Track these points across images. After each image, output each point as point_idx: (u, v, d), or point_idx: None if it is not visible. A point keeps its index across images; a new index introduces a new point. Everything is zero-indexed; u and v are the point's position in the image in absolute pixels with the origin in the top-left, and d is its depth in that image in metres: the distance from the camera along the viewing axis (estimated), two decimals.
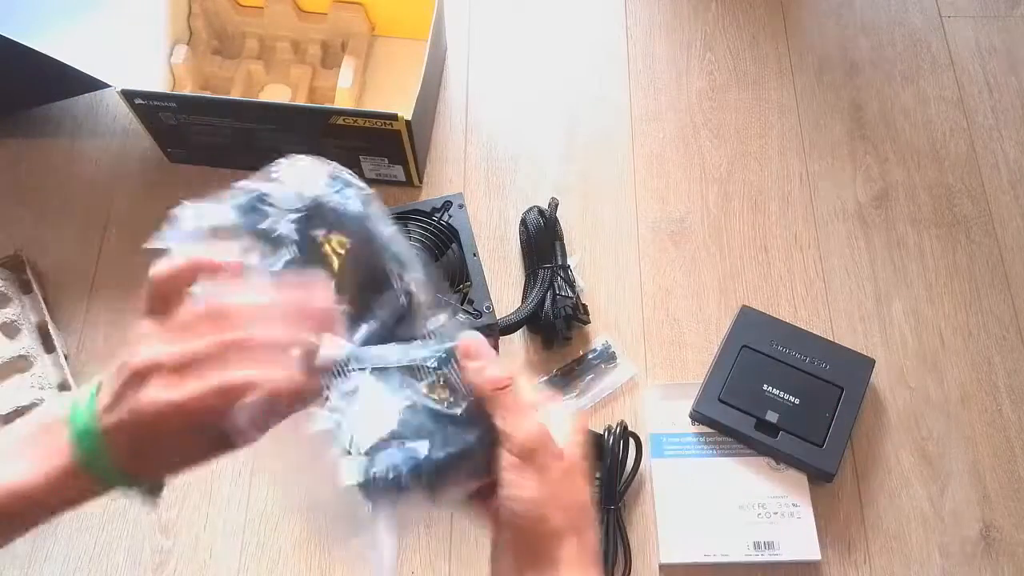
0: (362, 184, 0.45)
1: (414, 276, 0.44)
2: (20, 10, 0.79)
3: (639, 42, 0.99)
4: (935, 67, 0.97)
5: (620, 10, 1.01)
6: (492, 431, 0.41)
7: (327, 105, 0.82)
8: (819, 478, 0.74)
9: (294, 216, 0.42)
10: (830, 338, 0.81)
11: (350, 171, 0.45)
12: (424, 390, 0.41)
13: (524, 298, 0.82)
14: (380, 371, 0.40)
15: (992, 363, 0.81)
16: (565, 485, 0.42)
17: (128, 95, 0.80)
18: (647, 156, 0.92)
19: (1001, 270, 0.86)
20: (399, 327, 0.43)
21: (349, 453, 0.38)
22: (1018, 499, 0.76)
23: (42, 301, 0.81)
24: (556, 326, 0.79)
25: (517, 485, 0.41)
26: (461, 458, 0.40)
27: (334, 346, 0.40)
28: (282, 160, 0.45)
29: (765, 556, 0.72)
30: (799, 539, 0.72)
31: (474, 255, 0.77)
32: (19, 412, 0.73)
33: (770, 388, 0.76)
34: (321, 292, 0.41)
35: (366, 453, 0.38)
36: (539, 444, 0.41)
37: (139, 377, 0.38)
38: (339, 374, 0.40)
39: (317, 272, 0.42)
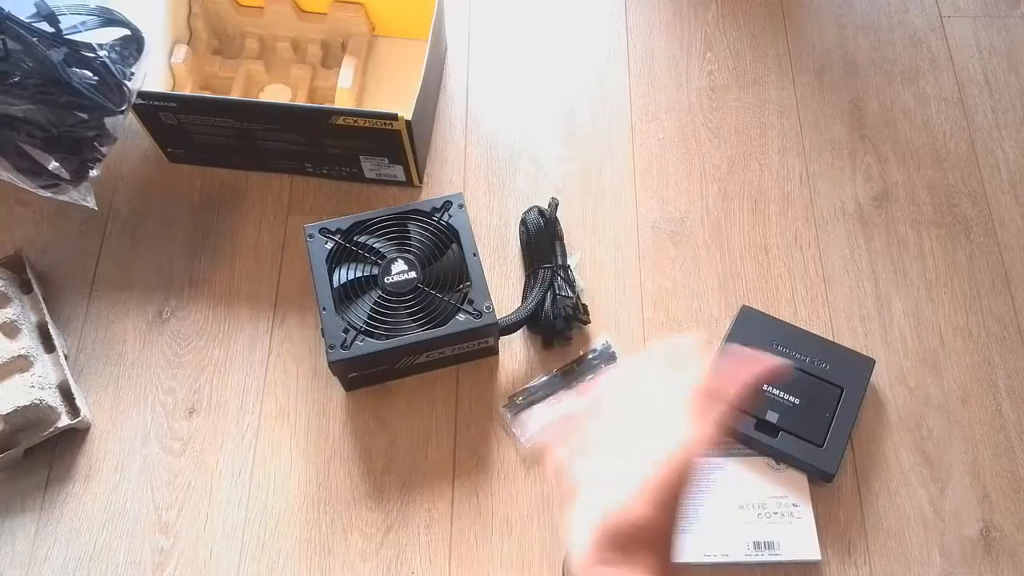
0: None
1: None
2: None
3: (639, 42, 0.99)
4: (935, 67, 0.97)
5: (620, 10, 1.01)
6: None
7: (327, 105, 0.82)
8: (819, 478, 0.74)
9: None
10: (830, 338, 0.81)
11: None
12: None
13: (524, 298, 0.82)
14: None
15: (992, 363, 0.81)
16: None
17: None
18: (647, 156, 0.92)
19: (1001, 270, 0.86)
20: None
21: None
22: (1018, 499, 0.76)
23: (42, 301, 0.81)
24: (556, 326, 0.79)
25: None
26: None
27: None
28: None
29: (765, 556, 0.72)
30: (799, 539, 0.72)
31: (474, 255, 0.77)
32: (19, 412, 0.73)
33: (770, 388, 0.76)
34: None
35: None
36: None
37: None
38: None
39: None
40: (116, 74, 0.62)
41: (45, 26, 0.59)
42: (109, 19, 0.62)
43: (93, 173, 0.67)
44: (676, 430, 0.45)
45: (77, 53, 0.60)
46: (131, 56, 0.64)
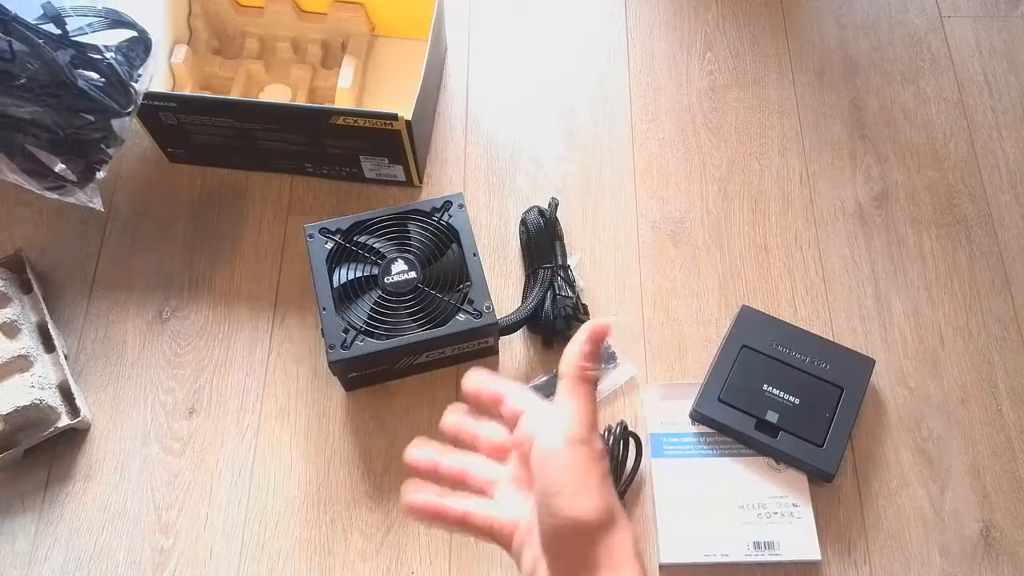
0: None
1: None
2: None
3: (639, 42, 0.99)
4: (935, 67, 0.97)
5: (620, 10, 1.01)
6: None
7: (327, 105, 0.82)
8: (819, 478, 0.74)
9: None
10: (830, 338, 0.81)
11: None
12: None
13: (524, 298, 0.82)
14: None
15: (992, 363, 0.81)
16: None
17: None
18: (647, 156, 0.92)
19: (1001, 270, 0.86)
20: None
21: None
22: (1018, 499, 0.76)
23: (42, 301, 0.81)
24: (556, 326, 0.79)
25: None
26: None
27: None
28: None
29: (765, 556, 0.72)
30: (799, 539, 0.72)
31: (474, 255, 0.77)
32: (19, 412, 0.73)
33: (770, 388, 0.76)
34: None
35: None
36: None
37: None
38: None
39: None
40: (123, 76, 0.62)
41: (52, 28, 0.59)
42: (116, 21, 0.62)
43: (99, 175, 0.66)
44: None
45: (84, 55, 0.60)
46: (138, 58, 0.64)
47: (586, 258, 0.86)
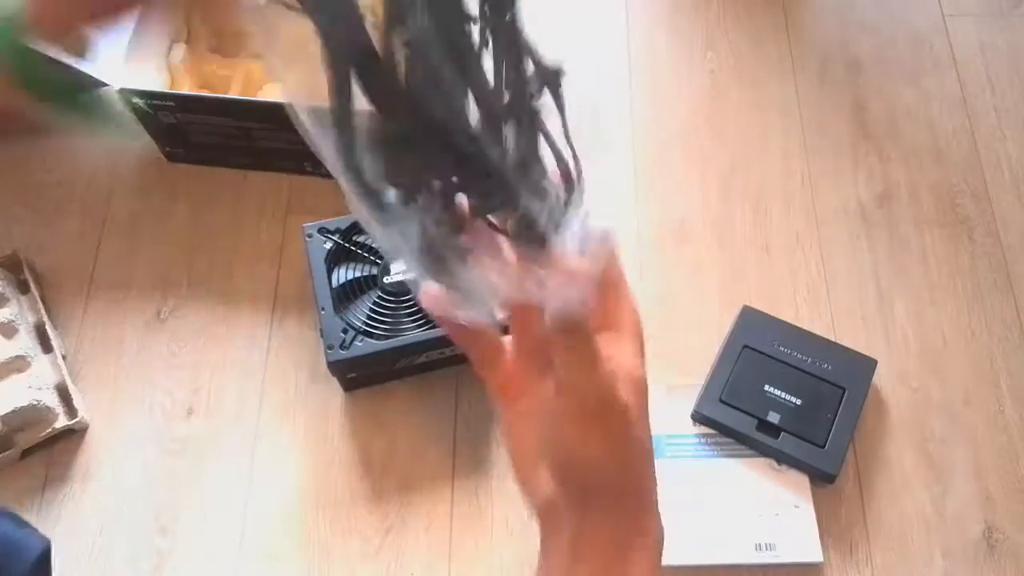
0: None
1: None
2: None
3: (640, 41, 0.99)
4: (937, 66, 0.97)
5: (621, 9, 1.01)
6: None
7: None
8: (821, 479, 0.74)
9: None
10: (832, 338, 0.81)
11: None
12: None
13: None
14: None
15: (995, 364, 0.81)
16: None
17: (126, 94, 0.79)
18: (647, 156, 0.92)
19: (1004, 270, 0.86)
20: None
21: None
22: (1021, 500, 0.75)
23: (40, 301, 0.80)
24: None
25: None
26: None
27: None
28: None
29: (766, 557, 0.71)
30: (800, 540, 0.72)
31: None
32: (17, 412, 0.72)
33: (772, 389, 0.76)
34: None
35: None
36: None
37: None
38: None
39: None
40: None
41: None
42: None
43: None
44: None
45: None
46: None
47: None
